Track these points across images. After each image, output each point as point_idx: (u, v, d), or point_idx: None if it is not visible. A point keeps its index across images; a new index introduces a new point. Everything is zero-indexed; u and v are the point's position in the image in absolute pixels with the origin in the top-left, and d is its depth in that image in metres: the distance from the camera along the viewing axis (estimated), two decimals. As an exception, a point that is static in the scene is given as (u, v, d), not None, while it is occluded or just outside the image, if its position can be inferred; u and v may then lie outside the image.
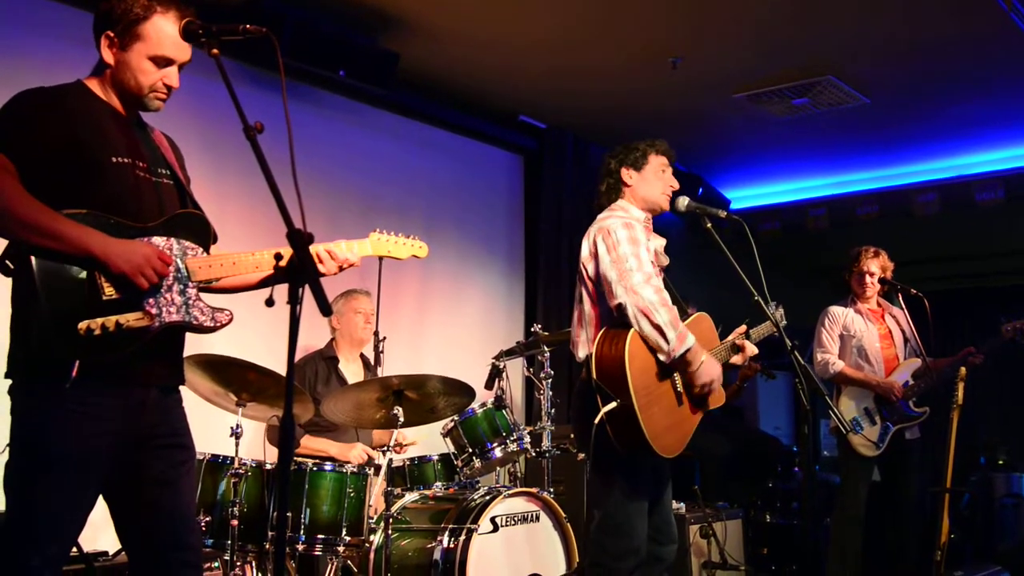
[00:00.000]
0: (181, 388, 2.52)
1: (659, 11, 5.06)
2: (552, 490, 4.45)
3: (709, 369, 3.27)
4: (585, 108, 6.51)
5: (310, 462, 3.84)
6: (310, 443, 4.50)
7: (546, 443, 4.53)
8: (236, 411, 3.75)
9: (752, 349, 3.54)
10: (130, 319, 2.24)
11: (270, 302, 2.25)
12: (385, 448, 4.08)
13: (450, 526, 3.90)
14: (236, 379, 3.71)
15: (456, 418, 4.40)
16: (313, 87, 5.47)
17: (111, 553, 3.80)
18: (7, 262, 2.24)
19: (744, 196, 8.47)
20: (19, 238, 2.19)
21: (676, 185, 3.56)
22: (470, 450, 4.39)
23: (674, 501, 5.19)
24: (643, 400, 3.12)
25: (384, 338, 4.97)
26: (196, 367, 3.61)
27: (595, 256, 3.33)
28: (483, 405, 4.44)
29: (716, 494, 6.06)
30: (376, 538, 3.94)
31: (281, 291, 2.15)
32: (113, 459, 2.30)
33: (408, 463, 4.58)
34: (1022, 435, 7.57)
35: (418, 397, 4.06)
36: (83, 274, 2.21)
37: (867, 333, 5.09)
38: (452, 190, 6.40)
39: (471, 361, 5.63)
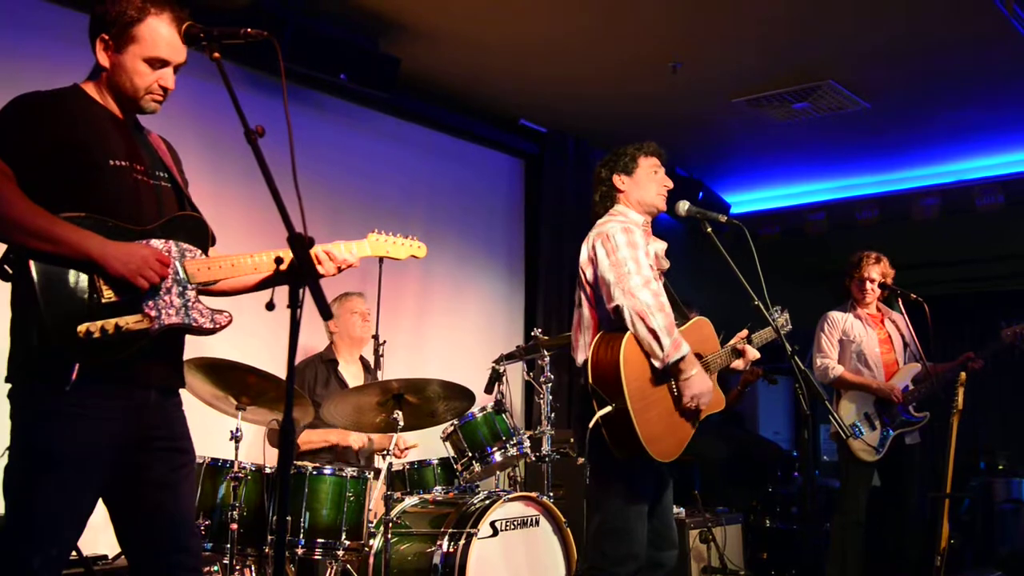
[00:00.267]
0: (181, 391, 2.53)
1: (659, 16, 5.06)
2: (552, 494, 4.44)
3: (699, 383, 3.24)
4: (586, 112, 6.51)
5: (310, 466, 3.84)
6: (310, 435, 4.51)
7: (546, 447, 4.52)
8: (236, 415, 3.75)
9: (754, 354, 3.53)
10: (129, 321, 2.24)
11: (270, 306, 2.25)
12: (385, 452, 4.08)
13: (450, 530, 3.89)
14: (236, 382, 3.70)
15: (456, 422, 4.40)
16: (314, 91, 5.47)
17: (110, 557, 3.79)
18: (6, 267, 2.25)
19: (744, 200, 8.47)
20: (18, 242, 2.20)
21: (670, 184, 3.54)
22: (470, 454, 4.38)
23: (674, 506, 5.22)
24: (638, 404, 3.12)
25: (384, 342, 4.97)
26: (196, 370, 3.60)
27: (594, 261, 3.34)
28: (483, 409, 4.44)
29: (716, 499, 6.06)
30: (376, 542, 3.94)
31: (281, 295, 2.15)
32: (113, 461, 2.30)
33: (408, 467, 4.58)
34: (1022, 440, 7.56)
35: (418, 401, 4.06)
36: (82, 277, 2.21)
37: (867, 338, 5.09)
38: (453, 194, 6.40)
39: (471, 365, 5.63)
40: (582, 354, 3.34)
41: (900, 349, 5.14)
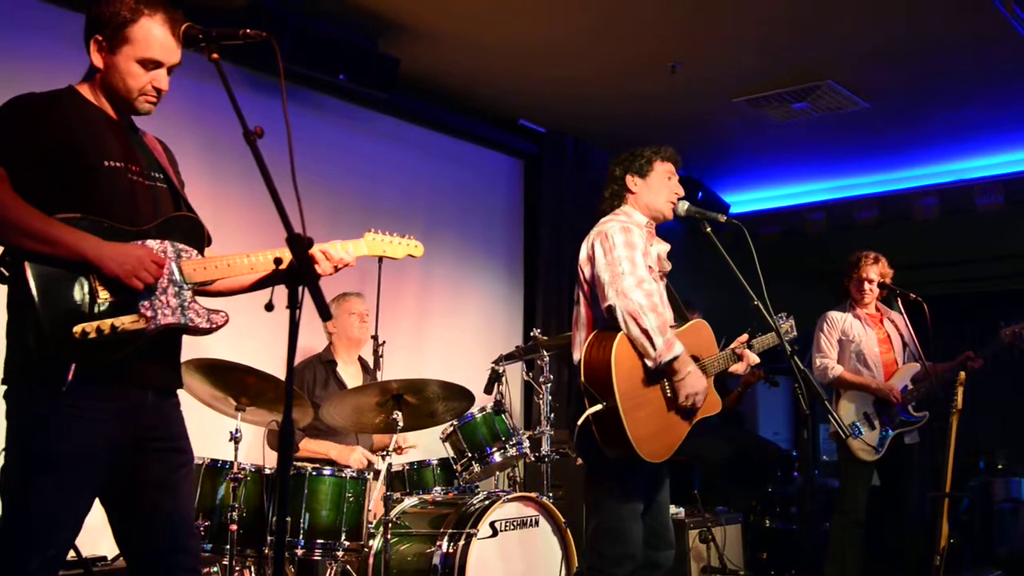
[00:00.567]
0: (180, 392, 2.52)
1: (659, 15, 5.06)
2: (551, 495, 4.44)
3: (694, 382, 3.25)
4: (585, 112, 6.51)
5: (309, 467, 3.84)
6: (310, 445, 4.50)
7: (545, 447, 4.52)
8: (235, 415, 3.75)
9: (753, 359, 3.53)
10: (125, 322, 2.24)
11: (269, 307, 2.25)
12: (385, 452, 4.08)
13: (449, 531, 3.89)
14: (235, 383, 3.70)
15: (455, 423, 4.40)
16: (313, 91, 5.47)
17: (110, 558, 3.80)
18: (2, 269, 2.24)
19: (743, 200, 8.47)
20: (13, 244, 2.20)
21: (681, 192, 3.56)
22: (469, 455, 4.38)
23: (674, 506, 5.22)
24: (628, 403, 3.12)
25: (384, 342, 4.97)
26: (195, 371, 3.60)
27: (592, 259, 3.35)
28: (482, 410, 4.43)
29: (715, 499, 6.06)
30: (375, 543, 3.94)
31: (280, 295, 2.15)
32: (110, 462, 2.30)
33: (407, 468, 4.58)
34: (1021, 439, 7.55)
35: (417, 401, 4.06)
36: (78, 278, 2.21)
37: (866, 338, 5.09)
38: (452, 194, 6.40)
39: (470, 365, 5.63)
40: (578, 352, 3.35)
41: (899, 349, 5.14)
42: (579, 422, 3.15)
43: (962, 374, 4.73)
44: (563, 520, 4.23)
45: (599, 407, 3.12)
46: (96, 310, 2.21)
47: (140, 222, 2.35)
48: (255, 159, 2.11)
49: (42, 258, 2.18)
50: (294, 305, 2.00)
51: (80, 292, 2.21)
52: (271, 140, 2.16)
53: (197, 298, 2.41)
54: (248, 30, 2.29)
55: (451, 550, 3.84)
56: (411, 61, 5.43)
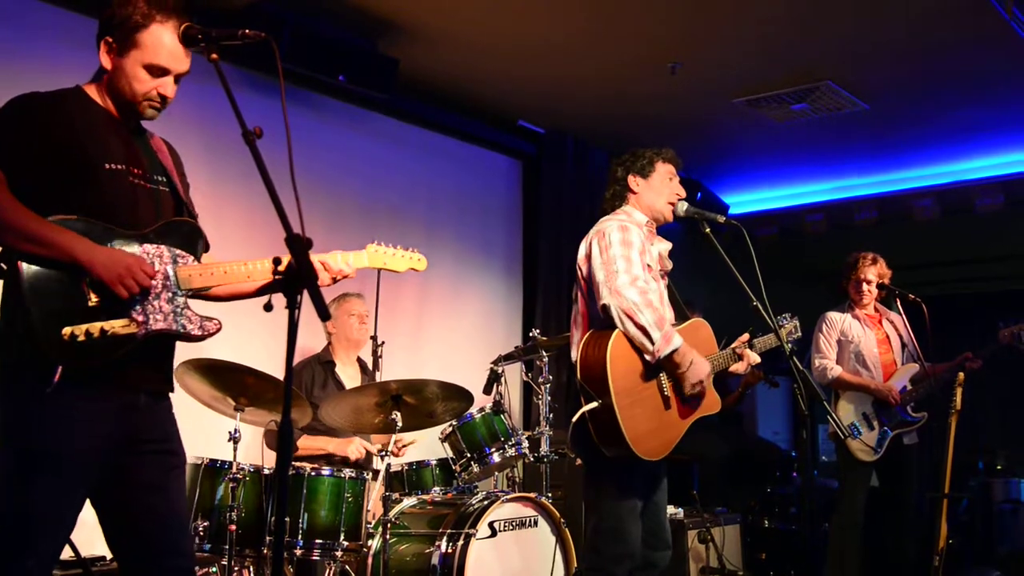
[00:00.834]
0: (179, 392, 2.52)
1: (658, 16, 5.06)
2: (550, 495, 4.44)
3: (698, 370, 3.26)
4: (584, 113, 6.51)
5: (308, 467, 3.84)
6: (307, 442, 4.50)
7: (544, 448, 4.52)
8: (234, 416, 3.75)
9: (754, 358, 3.53)
10: (116, 326, 2.24)
11: (268, 307, 2.25)
12: (384, 451, 4.08)
13: (448, 531, 3.90)
14: (234, 383, 3.70)
15: (454, 423, 4.40)
16: (313, 92, 5.47)
17: (109, 558, 3.79)
18: (1, 263, 2.24)
19: (742, 201, 8.47)
20: (6, 243, 2.20)
21: (683, 193, 3.58)
22: (468, 455, 4.39)
23: (672, 506, 5.23)
24: (624, 401, 3.13)
25: (383, 343, 4.97)
26: (194, 371, 3.61)
27: (589, 257, 3.37)
28: (481, 410, 4.44)
29: (714, 499, 6.06)
30: (374, 543, 3.94)
31: (279, 296, 2.15)
32: (101, 463, 2.29)
33: (406, 468, 4.58)
34: (1020, 440, 7.55)
35: (416, 402, 4.06)
36: (70, 281, 2.21)
37: (865, 338, 5.09)
38: (451, 195, 6.40)
39: (469, 366, 5.63)
40: (575, 350, 3.35)
41: (898, 349, 5.15)
42: (574, 420, 3.16)
43: (961, 375, 4.74)
44: (562, 520, 4.24)
45: (594, 404, 3.13)
46: (86, 313, 2.21)
47: (140, 225, 2.35)
48: (254, 159, 2.11)
49: (35, 259, 2.18)
50: (293, 305, 2.00)
51: (71, 294, 2.21)
52: (270, 140, 2.16)
53: (192, 303, 2.40)
54: (247, 31, 2.29)
55: (450, 550, 3.84)
56: (410, 62, 5.43)
